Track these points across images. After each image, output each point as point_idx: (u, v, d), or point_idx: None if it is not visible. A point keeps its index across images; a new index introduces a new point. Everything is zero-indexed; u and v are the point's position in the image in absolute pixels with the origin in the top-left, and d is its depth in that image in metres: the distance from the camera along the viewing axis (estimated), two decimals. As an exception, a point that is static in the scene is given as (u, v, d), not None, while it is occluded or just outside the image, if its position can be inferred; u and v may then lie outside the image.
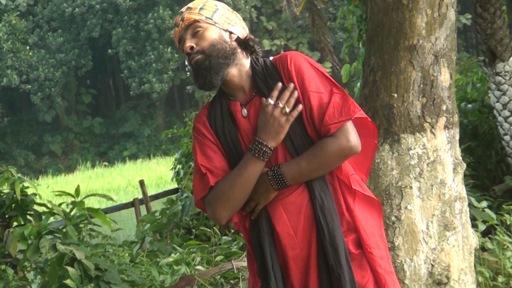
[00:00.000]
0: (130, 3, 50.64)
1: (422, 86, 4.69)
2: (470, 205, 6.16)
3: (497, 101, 9.36)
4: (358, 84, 10.12)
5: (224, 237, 7.70)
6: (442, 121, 4.71)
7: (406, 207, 4.67)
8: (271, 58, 3.26)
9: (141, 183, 11.76)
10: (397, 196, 4.70)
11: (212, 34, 3.15)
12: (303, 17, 38.76)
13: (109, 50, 52.48)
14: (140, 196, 11.98)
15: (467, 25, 46.45)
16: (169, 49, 50.66)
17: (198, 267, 6.69)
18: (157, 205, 11.62)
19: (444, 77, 4.73)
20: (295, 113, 3.04)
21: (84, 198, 6.40)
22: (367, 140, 3.24)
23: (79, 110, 55.92)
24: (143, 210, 11.56)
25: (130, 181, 32.31)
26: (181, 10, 3.22)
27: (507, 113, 9.30)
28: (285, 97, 3.04)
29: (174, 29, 3.23)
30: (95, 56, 54.82)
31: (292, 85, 3.06)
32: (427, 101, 4.69)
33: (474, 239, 4.87)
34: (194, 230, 8.37)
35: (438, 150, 4.70)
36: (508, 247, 6.18)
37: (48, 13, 53.35)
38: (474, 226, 6.09)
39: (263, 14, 54.00)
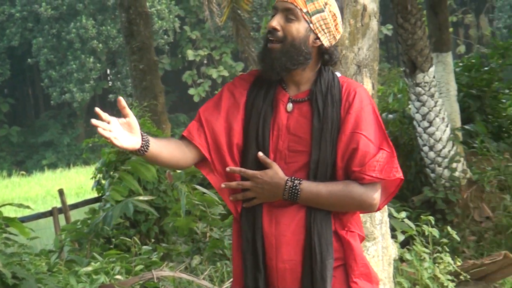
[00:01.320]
0: (52, 12, 49.96)
1: (344, 96, 4.70)
2: (390, 215, 6.20)
3: (417, 112, 9.49)
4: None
5: (144, 247, 7.60)
6: (364, 131, 4.72)
7: (328, 217, 4.66)
8: (338, 74, 3.17)
9: (60, 192, 11.58)
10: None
11: (300, 30, 3.05)
12: (227, 26, 38.86)
13: (29, 59, 51.67)
14: (59, 205, 11.78)
15: (389, 35, 47.19)
16: (91, 59, 50.14)
17: (118, 276, 6.58)
18: (76, 215, 11.43)
19: (367, 87, 4.75)
20: (112, 136, 2.88)
21: (0, 206, 6.23)
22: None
23: (-4, 119, 54.93)
24: (62, 219, 11.37)
25: (49, 190, 31.78)
26: None
27: (426, 123, 9.43)
28: (94, 124, 2.85)
29: None
30: (14, 65, 53.87)
31: (97, 110, 2.86)
32: (349, 111, 4.70)
33: (393, 250, 4.90)
34: (114, 240, 8.26)
35: (360, 160, 4.71)
36: (425, 258, 6.24)
37: (-34, 21, 52.37)
38: (394, 236, 6.14)
39: (187, 23, 53.85)
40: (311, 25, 3.06)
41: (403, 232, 6.59)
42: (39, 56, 50.88)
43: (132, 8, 13.68)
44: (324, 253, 3.01)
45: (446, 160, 9.38)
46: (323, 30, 3.08)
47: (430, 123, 9.41)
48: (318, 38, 3.08)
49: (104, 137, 2.82)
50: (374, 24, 4.82)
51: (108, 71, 54.99)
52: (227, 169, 3.09)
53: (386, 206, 4.88)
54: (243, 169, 3.07)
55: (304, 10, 3.05)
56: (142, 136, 2.95)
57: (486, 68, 11.44)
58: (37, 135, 53.03)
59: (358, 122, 3.04)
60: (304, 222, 3.04)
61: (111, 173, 9.45)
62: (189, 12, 54.33)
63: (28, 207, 6.50)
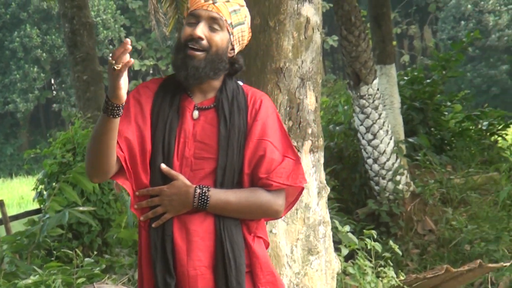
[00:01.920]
0: (-5, 20, 49.36)
1: (288, 109, 4.68)
2: (335, 228, 6.20)
3: (361, 124, 9.52)
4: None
5: (86, 259, 7.50)
6: (307, 144, 4.71)
7: (271, 231, 4.63)
8: (240, 82, 3.19)
9: (1, 203, 11.40)
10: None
11: (223, 41, 3.07)
12: (173, 37, 38.76)
13: (-29, 68, 50.93)
14: (-1, 216, 11.60)
15: (334, 46, 47.43)
16: (35, 68, 49.56)
17: (58, 290, 6.48)
18: (17, 226, 11.28)
19: (310, 100, 4.74)
20: (124, 68, 2.83)
21: None
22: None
23: None
24: (2, 230, 11.20)
25: (-9, 200, 31.30)
26: None
27: (370, 136, 9.47)
28: (117, 53, 2.82)
29: None
30: (-45, 73, 53.07)
31: (127, 40, 2.82)
32: (293, 124, 4.68)
33: (336, 264, 4.89)
34: (55, 252, 8.14)
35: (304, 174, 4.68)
36: (368, 272, 6.24)
37: None
38: (339, 250, 6.13)
39: (132, 33, 53.59)
40: (231, 36, 3.10)
41: (347, 246, 6.59)
42: (-18, 65, 50.19)
43: (75, 19, 13.53)
44: (238, 259, 3.01)
45: (390, 172, 9.42)
46: (239, 42, 3.15)
47: (374, 135, 9.45)
48: (233, 48, 3.13)
49: (120, 61, 2.79)
50: (317, 37, 4.81)
51: (53, 81, 54.43)
52: (136, 193, 3.07)
53: (329, 220, 4.88)
54: (150, 189, 3.04)
55: (229, 21, 3.08)
56: None
57: (428, 81, 11.54)
58: (-21, 144, 52.28)
59: (265, 129, 3.08)
60: (213, 227, 3.03)
61: (53, 184, 9.33)
62: (135, 22, 54.09)
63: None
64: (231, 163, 3.04)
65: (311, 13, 4.77)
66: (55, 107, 51.52)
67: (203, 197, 2.98)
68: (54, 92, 54.14)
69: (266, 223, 4.61)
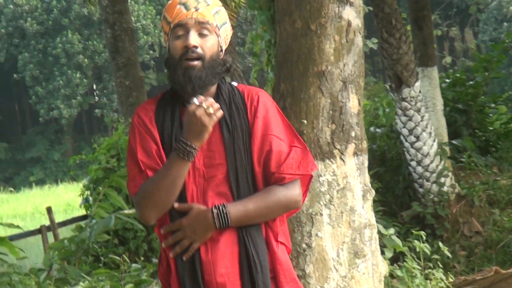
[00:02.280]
0: (37, 27, 49.86)
1: (331, 112, 4.67)
2: (379, 232, 6.17)
3: (404, 127, 9.47)
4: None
5: (133, 265, 7.56)
6: (351, 147, 4.70)
7: (316, 234, 4.63)
8: (235, 83, 3.20)
9: (49, 210, 11.56)
10: (308, 223, 4.66)
11: (214, 45, 3.06)
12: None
13: (15, 75, 51.48)
14: (47, 222, 11.75)
15: (374, 49, 47.25)
16: (77, 74, 50.04)
17: (107, 295, 6.55)
18: (65, 232, 11.42)
19: (353, 104, 4.73)
20: (219, 114, 2.93)
21: (-10, 226, 6.22)
22: None
23: (-17, 136, 54.73)
24: (50, 237, 11.34)
25: (37, 207, 31.67)
26: (194, 2, 3.07)
27: (413, 138, 9.41)
28: (210, 100, 2.92)
29: (177, 6, 3.06)
30: (0, 81, 53.71)
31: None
32: (336, 128, 4.67)
33: (383, 267, 4.87)
34: (102, 258, 8.22)
35: (348, 177, 4.69)
36: (416, 274, 6.21)
37: (-49, 37, 52.17)
38: (383, 253, 6.11)
39: (172, 38, 53.87)
40: (219, 38, 3.10)
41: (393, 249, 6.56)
42: (25, 72, 50.73)
43: (117, 24, 13.64)
44: (263, 263, 3.02)
45: (434, 174, 9.36)
46: (225, 42, 3.16)
47: (417, 137, 9.39)
48: (222, 50, 3.13)
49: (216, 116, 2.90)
50: (359, 40, 4.80)
51: (94, 86, 54.92)
52: (161, 231, 3.07)
53: (375, 223, 4.86)
54: (170, 225, 3.05)
55: (214, 24, 3.07)
56: None
57: (471, 82, 11.44)
58: (24, 151, 52.87)
59: (267, 124, 3.08)
60: (235, 234, 3.03)
61: (98, 189, 9.43)
62: (175, 26, 54.33)
63: (18, 226, 6.53)
64: (241, 165, 3.04)
65: (352, 16, 4.76)
66: (98, 113, 51.97)
67: (222, 215, 2.97)
68: (96, 97, 54.60)
69: (312, 226, 4.62)
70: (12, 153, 53.20)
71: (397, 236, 6.76)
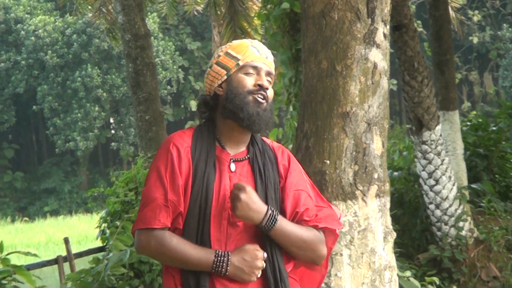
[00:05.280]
0: (57, 60, 50.19)
1: (354, 153, 4.68)
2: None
3: (423, 170, 9.45)
4: (290, 147, 10.14)
5: (147, 299, 7.57)
6: (373, 189, 4.70)
7: (336, 275, 4.62)
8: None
9: (66, 240, 11.58)
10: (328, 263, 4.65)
11: (272, 96, 3.17)
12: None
13: (34, 107, 51.78)
14: (63, 253, 11.76)
15: (393, 90, 47.28)
16: (96, 108, 50.26)
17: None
18: (80, 263, 11.43)
19: (376, 145, 4.74)
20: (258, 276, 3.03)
21: (8, 254, 6.25)
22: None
23: (0, 165, 54.87)
24: (66, 267, 11.36)
25: (51, 237, 31.69)
26: (265, 46, 3.21)
27: (432, 182, 9.39)
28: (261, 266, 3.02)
29: (252, 49, 3.16)
30: (19, 111, 54.02)
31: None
32: (359, 169, 4.68)
33: (402, 309, 4.85)
34: (118, 291, 8.22)
35: (369, 218, 4.68)
36: (432, 318, 6.19)
37: (-28, 67, 52.56)
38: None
39: (190, 74, 54.18)
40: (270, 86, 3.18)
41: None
42: (44, 104, 50.98)
43: (139, 59, 13.74)
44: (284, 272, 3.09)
45: (453, 218, 9.32)
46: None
47: (437, 181, 9.37)
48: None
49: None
50: (384, 82, 4.83)
51: (111, 120, 55.13)
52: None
53: (395, 264, 4.85)
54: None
55: (272, 76, 3.20)
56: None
57: (493, 128, 11.43)
58: (40, 181, 53.01)
59: (298, 181, 3.17)
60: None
61: (116, 222, 9.45)
62: (193, 63, 54.69)
63: (35, 255, 6.57)
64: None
65: (379, 58, 4.79)
66: (114, 146, 52.11)
67: (272, 217, 3.01)
68: (113, 131, 54.79)
69: (332, 266, 4.61)
70: (28, 183, 53.36)
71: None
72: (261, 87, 3.10)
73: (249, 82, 3.11)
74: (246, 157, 3.13)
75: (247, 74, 3.12)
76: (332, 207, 3.20)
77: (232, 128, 3.12)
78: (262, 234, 3.06)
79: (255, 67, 3.12)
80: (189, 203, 3.05)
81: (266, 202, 3.05)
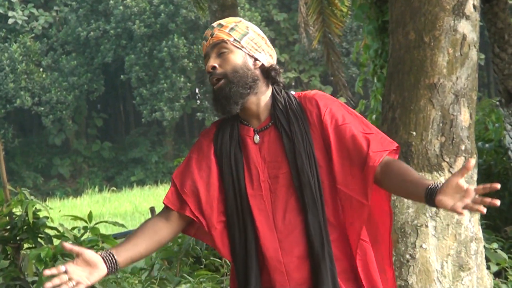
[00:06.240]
0: (145, 30, 50.72)
1: (441, 125, 4.68)
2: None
3: (512, 142, 9.34)
4: (374, 118, 10.12)
5: (233, 268, 7.67)
6: (460, 161, 4.69)
7: (421, 246, 4.64)
8: (292, 92, 3.20)
9: (152, 210, 11.74)
10: (412, 235, 4.67)
11: (237, 58, 3.08)
12: (316, 50, 38.91)
13: (122, 76, 52.51)
14: (149, 222, 11.97)
15: (479, 64, 46.48)
16: (181, 78, 50.67)
17: (208, 296, 6.67)
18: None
19: (464, 117, 4.72)
20: None
21: (97, 224, 6.40)
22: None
23: (89, 134, 55.96)
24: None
25: (137, 207, 32.18)
26: (213, 24, 3.15)
27: (521, 154, 9.27)
28: None
29: (203, 42, 3.18)
30: (107, 81, 54.87)
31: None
32: (446, 140, 4.68)
33: (488, 281, 4.84)
34: (204, 260, 8.32)
35: (456, 190, 4.67)
36: (521, 289, 6.15)
37: (62, 36, 53.44)
38: (488, 267, 6.05)
39: (276, 46, 54.16)
40: (244, 49, 3.10)
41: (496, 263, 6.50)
42: (131, 73, 51.64)
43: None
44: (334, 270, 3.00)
45: (542, 190, 9.21)
46: (256, 50, 3.13)
47: (526, 154, 9.25)
48: (256, 59, 3.12)
49: None
50: (473, 53, 4.79)
51: (197, 90, 55.54)
52: None
53: (481, 236, 4.83)
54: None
55: (231, 39, 3.09)
56: (104, 259, 2.94)
57: None
58: (127, 151, 53.84)
59: (336, 118, 3.04)
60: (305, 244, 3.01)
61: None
62: (279, 34, 54.62)
63: (122, 225, 6.69)
64: (303, 169, 3.00)
65: (468, 29, 4.76)
66: (199, 116, 52.54)
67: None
68: (198, 101, 55.20)
69: (417, 238, 4.63)
70: (116, 153, 54.29)
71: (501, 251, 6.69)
72: (209, 73, 3.09)
73: (206, 70, 3.13)
74: (270, 123, 3.10)
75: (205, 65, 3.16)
76: (379, 131, 3.07)
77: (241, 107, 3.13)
78: (305, 200, 3.02)
79: (205, 57, 3.13)
80: (224, 189, 3.09)
81: (296, 159, 3.02)
